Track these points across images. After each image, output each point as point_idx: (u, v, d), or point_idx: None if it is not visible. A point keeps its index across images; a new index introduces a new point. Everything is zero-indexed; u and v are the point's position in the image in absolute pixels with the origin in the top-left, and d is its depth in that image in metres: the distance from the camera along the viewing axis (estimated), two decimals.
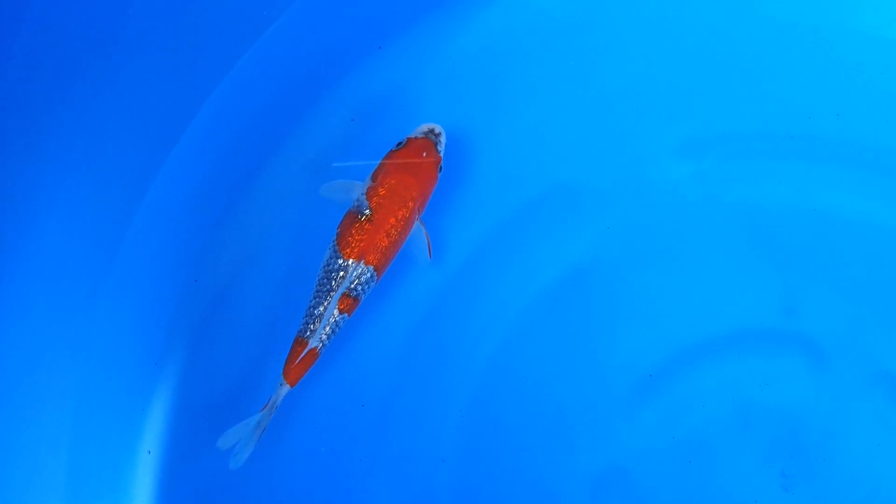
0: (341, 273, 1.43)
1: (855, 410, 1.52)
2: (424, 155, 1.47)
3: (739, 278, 1.56)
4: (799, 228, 1.56)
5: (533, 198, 1.59)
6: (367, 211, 1.45)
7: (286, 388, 1.43)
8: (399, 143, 1.49)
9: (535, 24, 1.63)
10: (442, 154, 1.50)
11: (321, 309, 1.43)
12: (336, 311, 1.44)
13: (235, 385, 1.55)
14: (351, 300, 1.44)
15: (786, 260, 1.56)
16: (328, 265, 1.44)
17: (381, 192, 1.46)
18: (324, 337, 1.43)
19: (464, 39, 1.63)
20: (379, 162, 1.48)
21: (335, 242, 1.45)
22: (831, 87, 1.60)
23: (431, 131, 1.50)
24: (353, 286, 1.44)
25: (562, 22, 1.63)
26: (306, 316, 1.44)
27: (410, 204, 1.46)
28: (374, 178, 1.48)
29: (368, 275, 1.44)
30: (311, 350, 1.43)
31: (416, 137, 1.49)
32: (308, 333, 1.43)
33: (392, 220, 1.45)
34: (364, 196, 1.46)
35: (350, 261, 1.43)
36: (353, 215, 1.46)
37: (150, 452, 1.52)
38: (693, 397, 1.53)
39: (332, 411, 1.55)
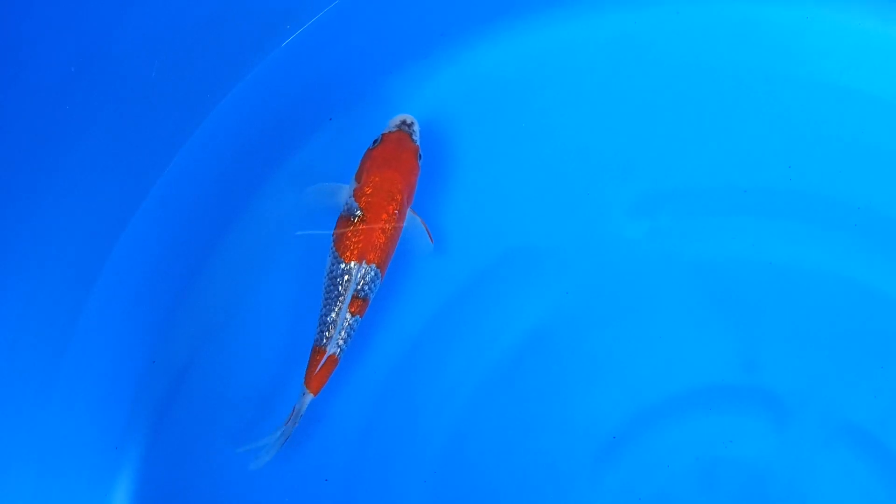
0: (346, 277, 1.45)
1: (819, 463, 1.52)
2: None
3: (698, 335, 1.56)
4: (755, 282, 1.57)
5: (490, 262, 1.60)
6: (359, 212, 1.46)
7: (309, 396, 1.45)
8: (375, 141, 1.51)
9: (485, 90, 1.65)
10: (418, 142, 1.52)
11: (333, 315, 1.45)
12: (348, 315, 1.45)
13: (201, 466, 1.54)
14: (360, 301, 1.46)
15: (743, 314, 1.56)
16: (331, 271, 1.46)
17: (368, 190, 1.47)
18: (340, 342, 1.45)
19: (418, 103, 1.64)
20: (360, 165, 1.50)
21: (333, 248, 1.46)
22: (782, 138, 1.62)
23: (404, 122, 1.52)
24: (359, 287, 1.45)
25: (512, 87, 1.65)
26: (320, 325, 1.46)
27: (398, 197, 1.48)
28: (357, 180, 1.49)
29: (372, 273, 1.46)
30: (331, 357, 1.45)
31: (390, 132, 1.52)
32: (324, 341, 1.45)
33: (384, 216, 1.47)
34: (352, 198, 1.47)
35: (352, 263, 1.45)
36: (346, 218, 1.47)
37: None
38: (657, 458, 1.53)
39: (297, 485, 1.53)
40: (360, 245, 1.46)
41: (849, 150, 1.60)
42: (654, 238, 1.59)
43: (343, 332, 1.45)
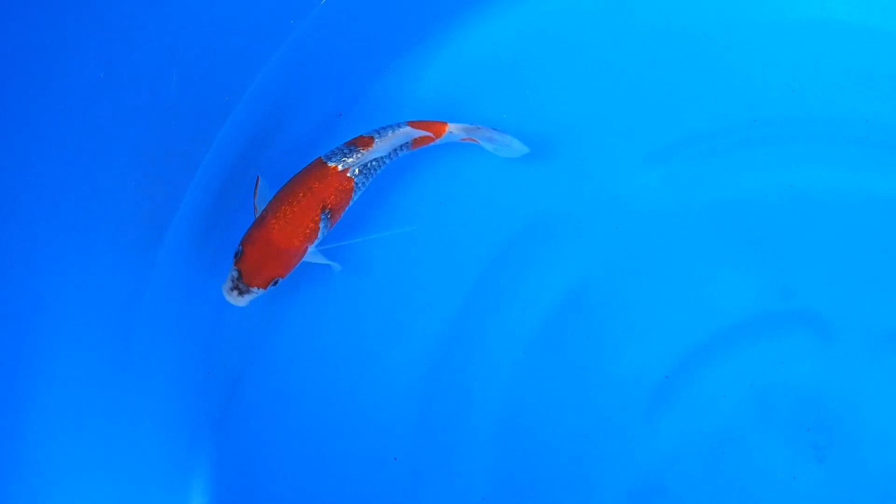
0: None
1: (868, 373, 1.55)
2: None
3: (731, 269, 1.59)
4: (777, 209, 1.60)
5: (514, 232, 1.62)
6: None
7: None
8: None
9: (484, 66, 1.67)
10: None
11: None
12: None
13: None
14: None
15: (771, 242, 1.59)
16: None
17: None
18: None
19: (421, 86, 1.67)
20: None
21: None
22: (781, 69, 1.65)
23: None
24: None
25: (510, 60, 1.67)
26: None
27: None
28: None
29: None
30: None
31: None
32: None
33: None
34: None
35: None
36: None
37: None
38: (710, 392, 1.55)
39: (368, 467, 1.56)
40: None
41: (848, 73, 1.64)
42: (671, 184, 1.62)
43: None
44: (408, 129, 1.53)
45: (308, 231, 1.47)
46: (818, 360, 1.56)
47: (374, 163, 1.51)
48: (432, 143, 1.56)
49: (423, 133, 1.54)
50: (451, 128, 1.56)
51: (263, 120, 1.63)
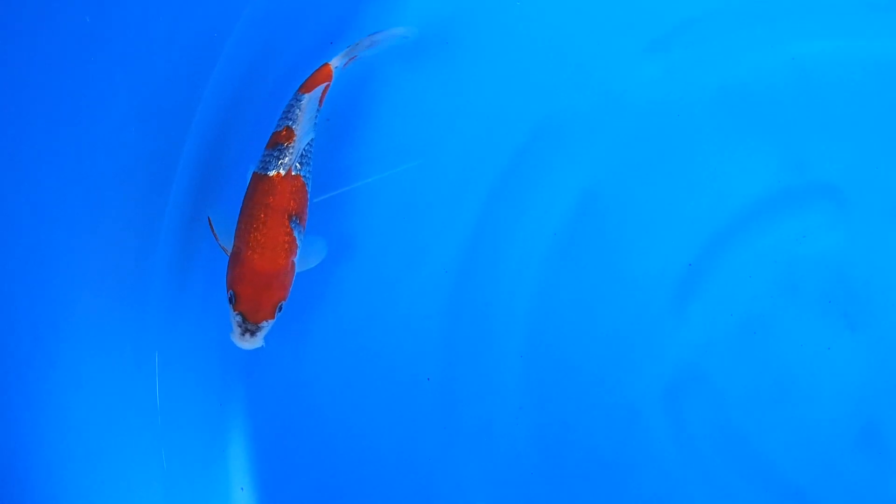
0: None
1: (890, 237, 1.54)
2: None
3: (744, 151, 1.58)
4: (783, 85, 1.58)
5: (521, 141, 1.60)
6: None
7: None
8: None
9: None
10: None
11: None
12: None
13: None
14: None
15: (781, 119, 1.58)
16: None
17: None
18: None
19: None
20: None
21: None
22: None
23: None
24: None
25: None
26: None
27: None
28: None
29: None
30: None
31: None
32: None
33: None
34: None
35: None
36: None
37: (242, 489, 1.54)
38: (736, 274, 1.55)
39: (400, 390, 1.56)
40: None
41: None
42: (674, 73, 1.60)
43: None
44: (306, 97, 1.46)
45: (287, 245, 1.41)
46: (839, 231, 1.55)
47: (306, 148, 1.46)
48: (330, 88, 1.50)
49: (320, 89, 1.48)
50: (335, 63, 1.50)
51: (254, 55, 1.61)
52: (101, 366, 1.51)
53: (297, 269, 1.44)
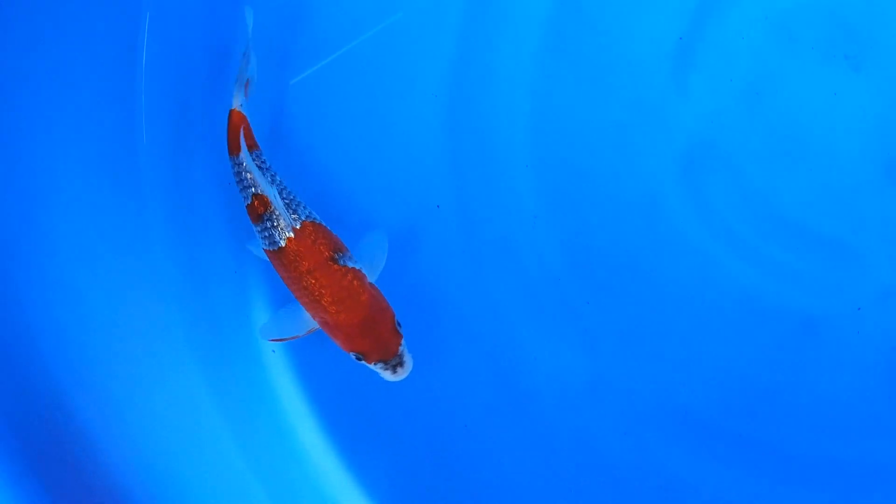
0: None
1: None
2: None
3: None
4: None
5: None
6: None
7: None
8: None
9: None
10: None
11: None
12: None
13: None
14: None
15: None
16: None
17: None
18: None
19: None
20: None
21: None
22: None
23: None
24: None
25: None
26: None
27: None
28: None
29: None
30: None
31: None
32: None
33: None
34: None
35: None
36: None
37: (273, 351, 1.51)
38: (730, 35, 1.52)
39: (413, 215, 1.54)
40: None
41: None
42: None
43: None
44: (242, 156, 1.36)
45: (354, 282, 1.36)
46: None
47: (286, 194, 1.38)
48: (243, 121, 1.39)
49: (241, 135, 1.37)
50: (235, 103, 1.39)
51: None
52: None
53: (374, 276, 1.41)
